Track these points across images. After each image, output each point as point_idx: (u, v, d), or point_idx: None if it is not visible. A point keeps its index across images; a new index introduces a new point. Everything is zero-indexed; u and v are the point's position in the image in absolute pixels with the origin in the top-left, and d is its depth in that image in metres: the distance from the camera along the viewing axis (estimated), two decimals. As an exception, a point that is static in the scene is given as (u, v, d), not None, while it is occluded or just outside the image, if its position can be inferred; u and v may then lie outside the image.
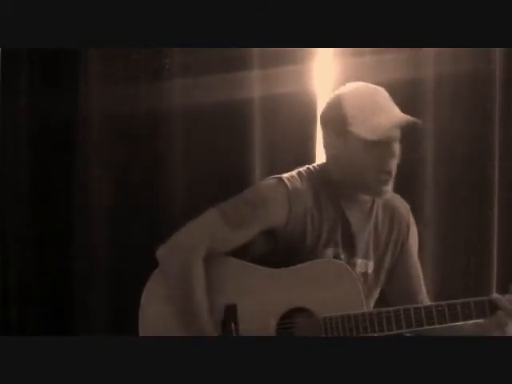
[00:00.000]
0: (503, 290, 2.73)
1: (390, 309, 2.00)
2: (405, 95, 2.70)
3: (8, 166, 2.46)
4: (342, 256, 2.13)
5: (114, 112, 2.49)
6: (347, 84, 2.19)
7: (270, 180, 2.15)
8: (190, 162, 2.53)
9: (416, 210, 2.36)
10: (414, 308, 1.99)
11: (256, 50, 2.52)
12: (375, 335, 2.00)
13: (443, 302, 2.00)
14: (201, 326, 2.01)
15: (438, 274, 2.75)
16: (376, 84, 2.20)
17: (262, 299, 2.04)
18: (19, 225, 2.47)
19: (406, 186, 2.67)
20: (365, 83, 2.17)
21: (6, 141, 2.45)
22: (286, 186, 2.10)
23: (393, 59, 2.58)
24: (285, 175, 2.14)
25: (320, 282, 2.04)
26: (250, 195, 2.12)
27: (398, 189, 2.34)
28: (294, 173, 2.17)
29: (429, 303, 2.05)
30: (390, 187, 2.12)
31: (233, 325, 2.01)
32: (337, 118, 2.10)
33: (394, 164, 2.10)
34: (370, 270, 2.17)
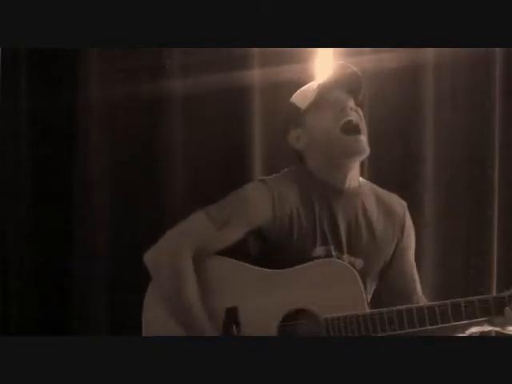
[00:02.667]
0: (503, 290, 2.74)
1: (393, 309, 1.99)
2: (405, 95, 2.71)
3: (8, 165, 2.46)
4: (334, 253, 2.12)
5: (114, 112, 2.49)
6: None
7: (254, 183, 2.20)
8: (190, 161, 2.53)
9: (416, 210, 2.36)
10: (417, 308, 1.98)
11: (256, 49, 2.52)
12: (377, 335, 2.00)
13: (446, 301, 1.98)
14: (198, 324, 2.01)
15: (438, 274, 2.75)
16: (376, 83, 2.19)
17: (263, 301, 2.04)
18: (19, 225, 2.47)
19: (406, 185, 2.68)
20: None
21: (6, 141, 2.45)
22: (268, 185, 2.13)
23: (393, 59, 2.58)
24: (268, 177, 2.18)
25: (322, 282, 2.04)
26: (234, 196, 2.14)
27: (398, 189, 2.34)
28: (276, 174, 2.20)
29: (431, 302, 2.02)
30: (364, 143, 2.12)
31: (234, 327, 2.01)
32: (292, 113, 2.21)
33: (353, 116, 2.13)
34: (359, 268, 2.14)
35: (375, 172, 2.64)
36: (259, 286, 2.06)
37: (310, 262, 2.08)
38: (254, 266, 2.08)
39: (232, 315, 2.02)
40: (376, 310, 2.01)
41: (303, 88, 2.24)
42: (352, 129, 2.12)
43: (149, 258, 2.09)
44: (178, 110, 2.52)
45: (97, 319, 2.48)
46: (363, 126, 2.14)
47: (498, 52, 2.77)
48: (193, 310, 2.02)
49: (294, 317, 2.04)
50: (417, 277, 2.25)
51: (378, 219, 2.20)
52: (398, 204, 2.26)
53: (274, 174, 2.21)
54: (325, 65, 2.60)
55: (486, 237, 2.77)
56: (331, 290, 2.03)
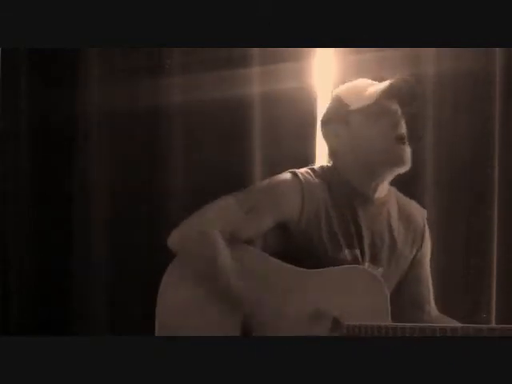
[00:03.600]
0: (503, 290, 2.74)
1: (417, 325, 1.91)
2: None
3: (8, 165, 2.46)
4: (360, 259, 2.09)
5: (114, 112, 2.49)
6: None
7: (285, 173, 2.13)
8: (190, 161, 2.53)
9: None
10: (440, 328, 1.88)
11: (256, 50, 2.52)
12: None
13: (470, 326, 1.88)
14: (236, 296, 1.97)
15: (438, 274, 2.75)
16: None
17: (285, 299, 1.99)
18: (19, 225, 2.47)
19: (406, 185, 2.68)
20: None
21: (6, 141, 2.45)
22: (299, 179, 2.09)
23: (392, 59, 2.59)
24: (299, 170, 2.13)
25: (348, 288, 1.99)
26: (264, 184, 2.12)
27: (398, 189, 2.34)
28: (308, 169, 2.15)
29: (455, 325, 1.93)
30: (408, 155, 2.09)
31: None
32: (336, 108, 2.15)
33: (403, 131, 2.09)
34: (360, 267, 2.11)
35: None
36: (284, 282, 2.01)
37: (340, 267, 2.02)
38: (279, 261, 2.03)
39: (247, 329, 1.98)
40: (400, 324, 1.93)
41: (356, 86, 2.18)
42: (402, 140, 2.09)
43: (176, 239, 2.03)
44: (178, 110, 2.52)
45: (97, 319, 2.48)
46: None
47: (498, 52, 2.77)
48: (231, 282, 1.97)
49: (316, 319, 1.99)
50: (431, 287, 2.24)
51: (399, 228, 2.18)
52: (419, 213, 2.25)
53: (305, 168, 2.16)
54: (325, 65, 2.60)
55: (485, 237, 2.77)
56: (357, 298, 1.98)
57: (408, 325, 1.92)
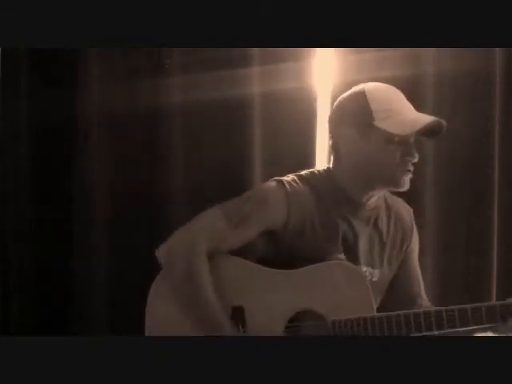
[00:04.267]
0: (503, 290, 2.74)
1: (401, 312, 1.97)
2: (405, 95, 2.70)
3: (8, 165, 2.46)
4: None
5: (114, 112, 2.49)
6: (364, 83, 2.14)
7: (271, 181, 2.13)
8: (190, 161, 2.53)
9: (416, 210, 2.35)
10: (424, 312, 1.96)
11: (256, 49, 2.52)
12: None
13: (454, 307, 1.96)
14: (216, 320, 1.98)
15: (438, 275, 2.75)
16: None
17: (269, 301, 2.01)
18: (19, 224, 2.47)
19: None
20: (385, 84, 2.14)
21: (6, 141, 2.45)
22: (285, 187, 2.08)
23: (392, 59, 2.59)
24: (286, 178, 2.12)
25: (330, 284, 2.02)
26: (250, 195, 2.11)
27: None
28: (295, 176, 2.13)
29: (438, 308, 1.99)
30: (409, 179, 2.08)
31: (240, 327, 2.00)
32: (360, 113, 2.07)
33: (415, 161, 2.08)
34: (375, 279, 2.13)
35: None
36: (266, 285, 2.03)
37: (319, 264, 2.04)
38: (259, 265, 2.05)
39: (238, 315, 2.01)
40: (384, 314, 1.98)
41: (386, 97, 2.08)
42: (410, 172, 2.08)
43: (163, 252, 2.05)
44: (178, 110, 2.52)
45: (97, 319, 2.48)
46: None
47: (498, 52, 2.77)
48: (209, 306, 1.99)
49: (301, 318, 2.02)
50: (422, 281, 2.25)
51: (389, 228, 2.19)
52: (406, 210, 2.25)
53: (292, 175, 2.14)
54: (325, 65, 2.60)
55: (485, 237, 2.77)
56: (339, 293, 2.00)
57: (392, 314, 1.97)
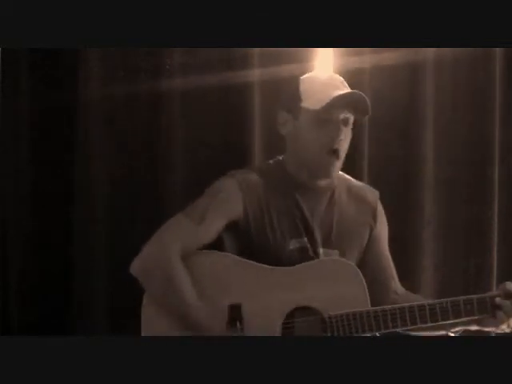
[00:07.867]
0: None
1: (396, 306, 2.03)
2: (405, 94, 2.71)
3: (8, 165, 2.46)
4: (309, 246, 2.13)
5: (114, 112, 2.49)
6: None
7: (223, 177, 2.17)
8: (190, 161, 2.54)
9: (416, 210, 2.36)
10: (418, 306, 2.02)
11: (256, 49, 2.52)
12: (378, 334, 2.02)
13: (446, 299, 2.02)
14: (202, 325, 2.01)
15: (438, 274, 2.75)
16: (376, 83, 2.19)
17: (266, 298, 2.04)
18: (19, 225, 2.47)
19: (406, 185, 2.68)
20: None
21: (6, 141, 2.45)
22: (236, 178, 2.13)
23: (393, 59, 2.59)
24: (237, 171, 2.17)
25: (325, 280, 2.06)
26: (207, 192, 2.15)
27: (398, 188, 2.34)
28: (247, 169, 2.20)
29: (432, 300, 2.06)
30: (336, 168, 2.12)
31: (238, 324, 2.00)
32: (291, 96, 2.15)
33: (341, 144, 2.10)
34: (335, 258, 2.16)
35: (375, 172, 2.64)
36: (262, 282, 2.06)
37: (314, 261, 2.09)
38: (256, 263, 2.07)
39: (235, 312, 2.02)
40: (379, 308, 2.03)
41: (318, 81, 2.17)
42: (335, 155, 2.10)
43: (137, 267, 2.07)
44: (178, 110, 2.52)
45: (97, 319, 2.48)
46: (345, 150, 2.13)
47: (498, 52, 2.77)
48: (192, 312, 2.02)
49: (297, 314, 2.04)
50: (392, 265, 2.26)
51: (348, 209, 2.20)
52: (371, 192, 2.27)
53: (244, 169, 2.20)
54: (324, 64, 2.60)
55: (485, 237, 2.78)
56: (334, 288, 2.04)
57: (387, 307, 2.03)
